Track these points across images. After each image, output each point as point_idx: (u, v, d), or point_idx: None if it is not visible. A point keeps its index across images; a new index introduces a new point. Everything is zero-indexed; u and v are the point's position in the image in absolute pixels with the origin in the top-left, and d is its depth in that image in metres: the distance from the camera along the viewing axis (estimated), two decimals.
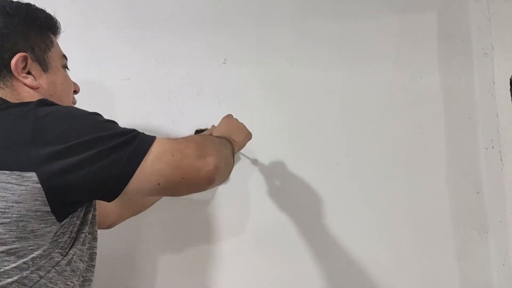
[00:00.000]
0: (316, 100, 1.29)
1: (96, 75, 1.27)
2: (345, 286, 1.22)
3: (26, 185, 0.67)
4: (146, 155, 0.72)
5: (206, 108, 1.26)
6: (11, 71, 0.79)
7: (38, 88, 0.81)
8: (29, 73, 0.81)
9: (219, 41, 1.31)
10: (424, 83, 1.29)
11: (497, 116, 1.24)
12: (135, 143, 0.72)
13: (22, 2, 0.84)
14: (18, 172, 0.67)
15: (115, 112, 1.25)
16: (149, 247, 1.23)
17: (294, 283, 1.22)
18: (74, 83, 0.94)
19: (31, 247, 0.69)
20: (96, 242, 0.82)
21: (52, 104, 0.74)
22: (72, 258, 0.74)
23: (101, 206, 1.03)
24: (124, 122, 1.21)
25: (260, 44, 1.31)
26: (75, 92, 0.95)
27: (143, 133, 0.75)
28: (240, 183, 1.26)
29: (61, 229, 0.71)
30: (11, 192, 0.67)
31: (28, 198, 0.67)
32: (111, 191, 0.72)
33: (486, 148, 1.24)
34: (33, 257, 0.69)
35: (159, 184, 0.74)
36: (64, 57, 0.91)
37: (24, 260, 0.68)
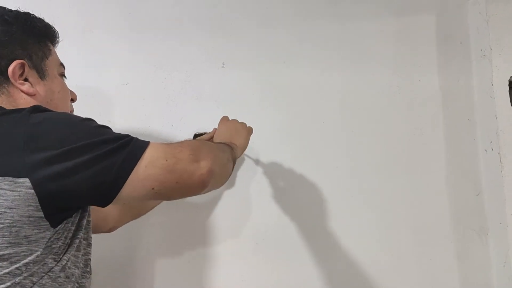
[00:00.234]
0: (315, 102, 1.29)
1: (95, 79, 1.27)
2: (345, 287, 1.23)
3: (19, 191, 0.67)
4: (140, 160, 0.73)
5: (205, 112, 1.26)
6: (8, 78, 0.80)
7: (34, 95, 0.82)
8: (26, 80, 0.82)
9: (218, 45, 1.31)
10: (423, 85, 1.29)
11: (496, 117, 1.24)
12: (129, 149, 0.73)
13: (21, 11, 0.85)
14: (11, 178, 0.67)
15: (114, 116, 1.26)
16: (149, 250, 1.24)
17: (294, 286, 1.22)
18: (71, 92, 0.94)
19: (24, 253, 0.69)
20: (90, 248, 0.82)
21: (46, 110, 0.74)
22: (66, 264, 0.74)
23: (100, 211, 1.03)
24: (123, 126, 1.23)
25: (259, 47, 1.31)
26: (72, 100, 0.96)
27: (136, 138, 0.76)
28: (240, 186, 1.26)
29: (55, 234, 0.71)
30: (3, 198, 0.67)
31: (21, 203, 0.67)
32: (105, 196, 0.73)
33: (486, 150, 1.23)
34: (26, 263, 0.69)
35: (153, 188, 0.74)
36: (62, 65, 0.92)
37: (17, 265, 0.68)
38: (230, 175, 1.00)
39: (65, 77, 0.93)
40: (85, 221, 0.78)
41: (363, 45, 1.31)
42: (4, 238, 0.67)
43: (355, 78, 1.30)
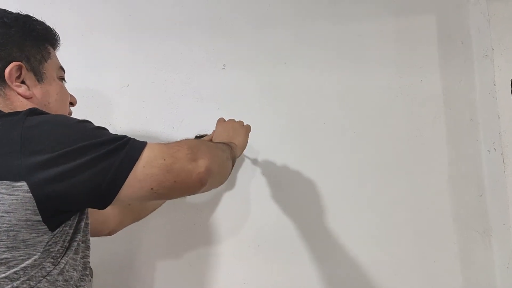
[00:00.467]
0: (316, 103, 1.28)
1: (95, 82, 1.27)
2: None
3: (17, 195, 0.66)
4: (138, 161, 0.72)
5: (206, 114, 1.26)
6: (4, 80, 0.79)
7: (31, 98, 0.82)
8: (23, 82, 0.81)
9: (218, 47, 1.31)
10: (425, 85, 1.28)
11: (499, 118, 1.23)
12: (126, 149, 0.72)
13: (21, 13, 0.85)
14: (8, 182, 0.66)
15: (115, 119, 1.26)
16: (150, 253, 1.23)
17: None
18: (71, 95, 0.94)
19: (22, 257, 0.68)
20: (89, 250, 0.81)
21: (42, 113, 0.74)
22: (64, 267, 0.73)
23: (101, 214, 1.03)
24: (123, 128, 1.23)
25: (259, 48, 1.31)
26: (72, 104, 0.96)
27: (134, 139, 0.75)
28: (241, 188, 1.25)
29: (53, 238, 0.71)
30: (1, 202, 0.66)
31: (18, 207, 0.67)
32: (103, 198, 0.72)
33: (488, 151, 1.23)
34: (23, 267, 0.68)
35: (152, 188, 0.74)
36: (62, 69, 0.91)
37: (15, 270, 0.68)
38: (230, 174, 1.00)
39: (64, 80, 0.92)
40: (83, 223, 0.78)
41: (364, 45, 1.30)
42: (1, 243, 0.67)
43: (356, 79, 1.29)
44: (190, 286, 1.22)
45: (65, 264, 0.73)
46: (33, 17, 0.86)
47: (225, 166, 0.94)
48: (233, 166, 1.01)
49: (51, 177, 0.67)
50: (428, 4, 1.31)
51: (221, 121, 1.17)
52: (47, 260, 0.71)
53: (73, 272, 0.75)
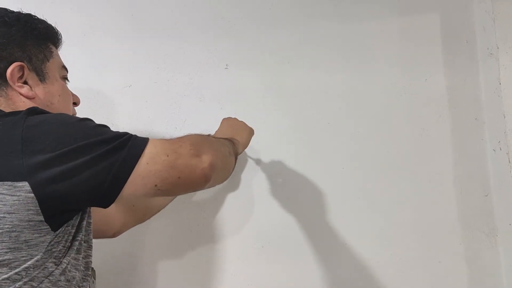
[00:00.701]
0: (320, 103, 1.28)
1: (97, 82, 1.27)
2: None
3: (19, 195, 0.66)
4: (140, 157, 0.72)
5: (209, 114, 1.25)
6: (6, 80, 0.79)
7: (34, 98, 0.81)
8: (25, 83, 0.80)
9: (221, 46, 1.30)
10: (429, 84, 1.27)
11: (504, 117, 1.22)
12: (128, 146, 0.71)
13: (22, 12, 0.84)
14: (9, 182, 0.66)
15: (117, 119, 1.25)
16: (152, 253, 1.23)
17: None
18: (74, 95, 0.93)
19: (24, 258, 0.67)
20: (91, 250, 0.81)
21: (43, 112, 0.73)
22: (66, 267, 0.72)
23: (105, 215, 1.02)
24: (126, 129, 1.19)
25: (262, 48, 1.30)
26: (75, 104, 0.95)
27: (135, 136, 0.75)
28: (244, 188, 1.25)
29: (56, 238, 0.70)
30: (2, 203, 0.66)
31: (20, 208, 0.66)
32: (106, 196, 0.71)
33: (494, 150, 1.22)
34: (25, 268, 0.67)
35: (155, 185, 0.73)
36: (64, 68, 0.91)
37: (17, 271, 0.67)
38: (233, 169, 0.99)
39: (67, 80, 0.91)
40: (85, 222, 0.77)
41: (367, 45, 1.30)
42: (3, 244, 0.66)
43: (360, 78, 1.28)
44: (193, 287, 1.21)
45: (67, 264, 0.73)
46: (35, 16, 0.85)
47: (228, 161, 0.93)
48: (235, 162, 1.01)
49: (53, 177, 0.66)
50: (432, 2, 1.31)
51: (226, 119, 1.17)
52: (49, 260, 0.70)
53: (75, 272, 0.74)
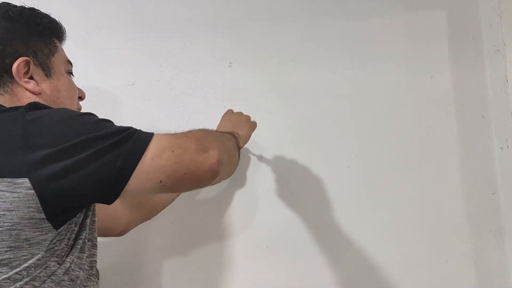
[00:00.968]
0: (324, 101, 1.26)
1: (100, 80, 1.26)
2: None
3: (19, 192, 0.64)
4: (145, 152, 0.70)
5: (212, 113, 1.24)
6: (12, 76, 0.77)
7: (40, 93, 0.80)
8: (31, 78, 0.79)
9: (225, 44, 1.29)
10: (435, 82, 1.25)
11: (511, 114, 1.21)
12: (132, 141, 0.70)
13: (26, 7, 0.83)
14: (9, 179, 0.64)
15: (120, 118, 1.24)
16: (156, 253, 1.22)
17: None
18: (79, 90, 0.92)
19: (24, 257, 0.66)
20: (96, 249, 0.79)
21: (44, 107, 0.72)
22: (70, 266, 0.71)
23: (111, 213, 1.01)
24: None
25: (266, 46, 1.29)
26: (80, 98, 0.94)
27: (140, 130, 0.73)
28: (249, 188, 1.24)
29: (58, 236, 0.69)
30: (2, 200, 0.64)
31: (21, 205, 0.64)
32: (110, 192, 0.70)
33: (501, 148, 1.20)
34: (26, 267, 0.66)
35: (161, 181, 0.72)
36: (69, 62, 0.90)
37: (17, 270, 0.65)
38: (237, 164, 0.98)
39: (72, 75, 0.91)
40: (89, 220, 0.75)
41: (372, 42, 1.28)
42: (3, 242, 0.65)
43: (365, 76, 1.27)
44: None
45: (71, 263, 0.71)
46: (38, 10, 0.84)
47: (233, 156, 0.92)
48: (239, 156, 1.00)
49: (54, 173, 0.65)
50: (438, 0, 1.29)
51: (229, 112, 1.16)
52: (52, 259, 0.68)
53: (79, 272, 0.73)
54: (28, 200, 0.64)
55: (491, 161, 1.21)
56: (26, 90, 0.78)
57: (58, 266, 0.69)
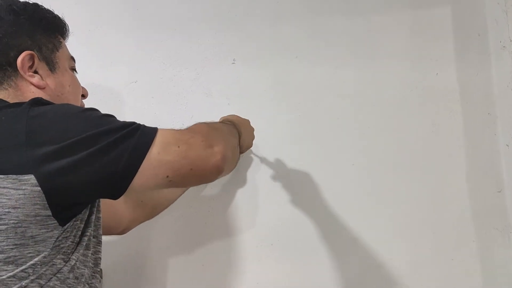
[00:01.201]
0: (328, 99, 1.25)
1: (102, 78, 1.25)
2: None
3: (24, 189, 0.63)
4: (151, 147, 0.69)
5: (216, 110, 1.23)
6: (16, 70, 0.76)
7: (44, 88, 0.79)
8: (35, 72, 0.79)
9: (228, 41, 1.28)
10: (440, 79, 1.24)
11: None
12: (137, 136, 0.69)
13: (29, 2, 0.83)
14: (14, 176, 0.63)
15: (122, 115, 1.20)
16: (159, 252, 1.21)
17: (310, 287, 1.18)
18: (83, 88, 0.92)
19: (30, 254, 0.65)
20: (100, 246, 0.78)
21: (48, 103, 0.71)
22: (75, 264, 0.70)
23: (114, 211, 1.01)
24: None
25: (270, 43, 1.28)
26: (83, 96, 0.94)
27: (144, 125, 0.72)
28: (253, 186, 1.23)
29: (64, 233, 0.68)
30: (7, 197, 0.63)
31: (26, 202, 0.63)
32: (117, 188, 0.69)
33: (507, 145, 1.19)
34: (32, 264, 0.65)
35: (167, 176, 0.71)
36: (72, 59, 0.89)
37: (23, 268, 0.64)
38: (238, 159, 0.99)
39: (75, 71, 0.90)
40: (94, 217, 0.75)
41: (377, 39, 1.27)
42: (9, 240, 0.64)
43: (370, 74, 1.26)
44: (202, 287, 1.19)
45: (76, 261, 0.70)
46: (42, 6, 0.83)
47: (236, 152, 0.93)
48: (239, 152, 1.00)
49: (60, 169, 0.64)
50: None
51: (234, 115, 1.16)
52: (58, 257, 0.67)
53: (83, 269, 0.72)
54: (34, 197, 0.64)
55: (497, 159, 1.21)
56: (30, 84, 0.78)
57: (64, 263, 0.69)
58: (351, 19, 1.29)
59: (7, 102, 0.74)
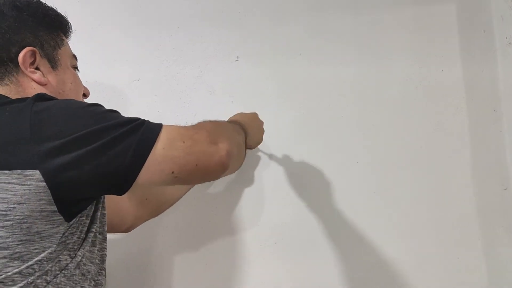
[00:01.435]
0: (332, 96, 1.25)
1: (105, 76, 1.25)
2: None
3: (29, 184, 0.63)
4: (156, 142, 0.69)
5: (219, 108, 1.23)
6: (18, 65, 0.77)
7: (46, 84, 0.79)
8: (37, 69, 0.79)
9: (231, 38, 1.28)
10: (445, 75, 1.23)
11: None
12: (142, 131, 0.69)
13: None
14: (19, 171, 0.63)
15: (125, 113, 1.20)
16: (164, 250, 1.21)
17: (315, 286, 1.18)
18: (84, 87, 0.92)
19: (36, 250, 0.65)
20: (106, 243, 0.78)
21: (51, 98, 0.71)
22: (81, 260, 0.70)
23: (117, 208, 1.00)
24: None
25: (273, 40, 1.27)
26: (85, 96, 0.93)
27: (148, 121, 0.72)
28: (256, 184, 1.22)
29: (70, 229, 0.68)
30: (12, 192, 0.63)
31: (31, 198, 0.63)
32: (122, 183, 0.69)
33: None
34: (38, 261, 0.65)
35: (172, 172, 0.71)
36: (74, 57, 0.89)
37: (29, 264, 0.64)
38: (244, 159, 0.98)
39: (77, 69, 0.90)
40: (99, 213, 0.75)
41: (381, 36, 1.26)
42: (14, 236, 0.63)
43: (374, 71, 1.25)
44: (205, 285, 1.19)
45: (82, 257, 0.70)
46: (45, 3, 0.84)
47: (241, 150, 0.92)
48: (245, 152, 1.00)
49: (65, 164, 0.64)
50: None
51: (242, 113, 1.15)
52: (64, 253, 0.67)
53: (90, 266, 0.72)
54: (39, 192, 0.63)
55: (503, 156, 1.19)
56: (32, 81, 0.78)
57: (70, 260, 0.69)
58: (355, 16, 1.28)
59: (8, 98, 0.73)
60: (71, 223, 0.68)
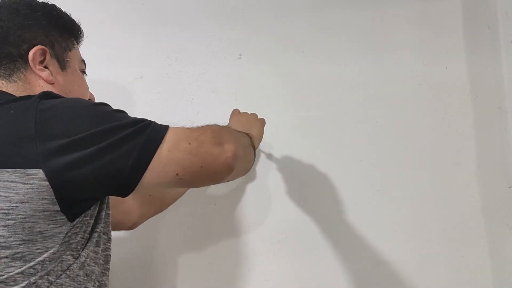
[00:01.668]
0: (336, 94, 1.24)
1: (107, 74, 1.25)
2: (372, 287, 1.18)
3: (32, 183, 0.62)
4: (161, 144, 0.69)
5: (222, 106, 1.22)
6: (27, 62, 0.77)
7: (53, 83, 0.79)
8: (46, 67, 0.79)
9: (234, 36, 1.27)
10: (450, 72, 1.23)
11: None
12: (148, 132, 0.69)
13: (48, 2, 0.84)
14: (22, 170, 0.62)
15: (128, 111, 1.19)
16: (167, 249, 1.21)
17: (318, 285, 1.17)
18: (90, 93, 0.92)
19: (39, 250, 0.64)
20: (110, 243, 0.78)
21: (58, 96, 0.70)
22: (85, 261, 0.70)
23: (121, 206, 1.00)
24: None
25: (276, 37, 1.27)
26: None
27: (155, 122, 0.72)
28: (260, 183, 1.22)
29: (73, 229, 0.67)
30: (15, 191, 0.62)
31: (34, 197, 0.63)
32: (126, 184, 0.68)
33: None
34: (41, 261, 0.64)
35: (177, 174, 0.70)
36: (83, 62, 0.90)
37: (31, 264, 0.64)
38: (253, 163, 0.97)
39: (85, 74, 0.90)
40: (103, 213, 0.74)
41: (385, 33, 1.26)
42: (16, 235, 0.63)
43: (378, 67, 1.24)
44: (209, 284, 1.19)
45: (86, 258, 0.70)
46: (60, 8, 0.85)
47: (248, 152, 0.91)
48: (255, 156, 0.99)
49: (69, 163, 0.63)
50: None
51: (235, 113, 1.14)
52: (67, 253, 0.67)
53: (94, 266, 0.72)
54: (42, 191, 0.63)
55: (508, 154, 1.18)
56: (39, 79, 0.78)
57: (73, 260, 0.68)
58: (358, 13, 1.27)
59: (13, 95, 0.73)
60: (74, 223, 0.67)
